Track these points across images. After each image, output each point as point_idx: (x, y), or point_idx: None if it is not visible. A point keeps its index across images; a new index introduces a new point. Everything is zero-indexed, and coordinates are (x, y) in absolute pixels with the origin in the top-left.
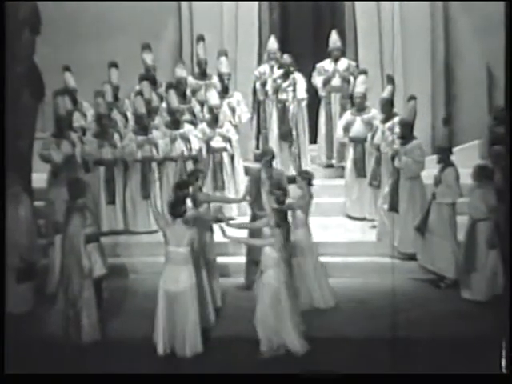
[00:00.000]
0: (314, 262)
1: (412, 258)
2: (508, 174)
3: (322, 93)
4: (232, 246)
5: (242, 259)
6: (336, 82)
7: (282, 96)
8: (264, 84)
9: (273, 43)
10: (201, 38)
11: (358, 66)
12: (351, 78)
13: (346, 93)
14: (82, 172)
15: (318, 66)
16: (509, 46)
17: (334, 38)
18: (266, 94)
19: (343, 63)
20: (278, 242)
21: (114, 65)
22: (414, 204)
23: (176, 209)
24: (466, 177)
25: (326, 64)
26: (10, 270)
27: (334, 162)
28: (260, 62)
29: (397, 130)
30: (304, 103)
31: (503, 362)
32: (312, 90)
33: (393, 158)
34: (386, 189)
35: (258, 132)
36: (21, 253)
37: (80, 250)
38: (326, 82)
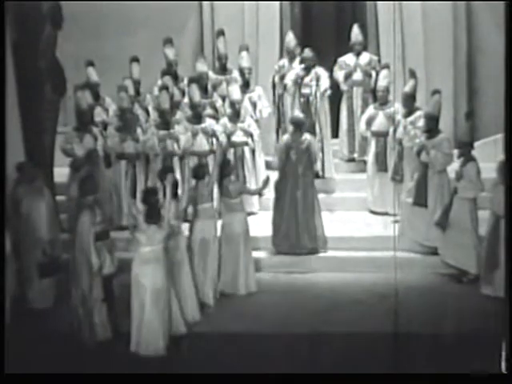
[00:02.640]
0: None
1: (436, 252)
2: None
3: (343, 87)
4: None
5: None
6: (358, 76)
7: (305, 90)
8: (282, 78)
9: (290, 40)
10: (221, 33)
11: (379, 61)
12: (373, 73)
13: (367, 87)
14: (102, 166)
15: (340, 60)
16: (509, 46)
17: (356, 32)
18: (284, 87)
19: (365, 57)
20: None
21: (135, 59)
22: (442, 197)
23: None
24: (488, 171)
25: (348, 58)
26: (32, 265)
27: (355, 155)
28: (281, 56)
29: (419, 124)
30: (326, 97)
31: (503, 362)
32: (334, 85)
33: (419, 153)
34: (410, 183)
35: (279, 125)
36: (43, 248)
37: (89, 247)
38: (348, 76)
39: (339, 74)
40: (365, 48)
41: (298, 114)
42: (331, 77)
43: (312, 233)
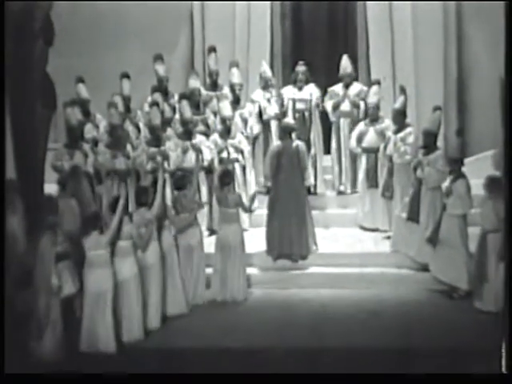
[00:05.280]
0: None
1: (427, 268)
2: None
3: (331, 118)
4: None
5: None
6: (345, 106)
7: (300, 106)
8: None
9: (266, 70)
10: (212, 49)
11: (369, 86)
12: (361, 104)
13: (355, 118)
14: (85, 183)
15: (330, 89)
16: (509, 46)
17: (345, 65)
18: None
19: (355, 88)
20: None
21: (125, 76)
22: (434, 214)
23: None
24: (478, 188)
25: (338, 88)
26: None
27: (342, 188)
28: (273, 71)
29: (409, 140)
30: (318, 113)
31: (503, 362)
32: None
33: (415, 169)
34: (406, 198)
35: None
36: (18, 260)
37: (50, 268)
38: (336, 107)
39: (328, 104)
40: (355, 78)
41: (289, 120)
42: (322, 101)
43: (304, 239)
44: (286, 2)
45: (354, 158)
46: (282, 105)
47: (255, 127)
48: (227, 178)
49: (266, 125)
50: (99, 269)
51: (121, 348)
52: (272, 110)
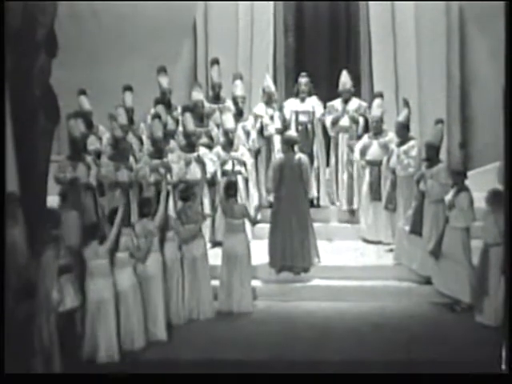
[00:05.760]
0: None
1: (430, 281)
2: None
3: (330, 133)
4: None
5: None
6: (344, 122)
7: (303, 118)
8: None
9: (269, 85)
10: (215, 62)
11: (369, 107)
12: (360, 120)
13: (353, 134)
14: (83, 195)
15: (329, 104)
16: (509, 46)
17: (344, 81)
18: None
19: (354, 103)
20: None
21: (128, 88)
22: (437, 227)
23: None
24: (481, 201)
25: (337, 103)
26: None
27: (337, 204)
28: (276, 84)
29: (413, 153)
30: (321, 126)
31: (503, 362)
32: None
33: (418, 182)
34: (408, 211)
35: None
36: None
37: (52, 282)
38: (335, 122)
39: (327, 119)
40: (354, 94)
41: (292, 133)
42: (325, 105)
43: (306, 252)
44: (288, 15)
45: (350, 174)
46: (284, 120)
47: (257, 142)
48: (232, 189)
49: (267, 139)
50: (100, 278)
51: (123, 358)
52: (273, 127)
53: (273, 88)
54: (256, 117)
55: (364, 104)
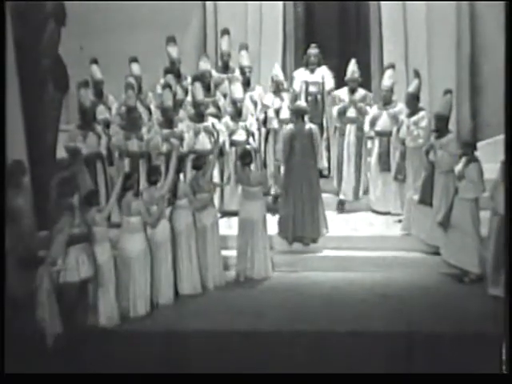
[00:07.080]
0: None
1: (439, 252)
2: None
3: (336, 123)
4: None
5: None
6: (351, 113)
7: (313, 89)
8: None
9: (278, 73)
10: (226, 32)
11: (383, 70)
12: (368, 109)
13: (361, 125)
14: (84, 167)
15: (334, 94)
16: (509, 46)
17: (352, 69)
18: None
19: (360, 93)
20: None
21: (134, 60)
22: (446, 197)
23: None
24: (491, 172)
25: (343, 93)
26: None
27: (342, 197)
28: (284, 55)
29: (422, 124)
30: (331, 97)
31: (503, 362)
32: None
33: (427, 152)
34: (418, 182)
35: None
36: (24, 241)
37: (62, 249)
38: (342, 113)
39: (334, 109)
40: (360, 84)
41: (301, 103)
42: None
43: (316, 222)
44: None
45: (358, 167)
46: (293, 91)
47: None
48: (248, 157)
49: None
50: (98, 244)
51: (129, 325)
52: (276, 122)
53: (281, 77)
54: (263, 106)
55: (370, 94)
